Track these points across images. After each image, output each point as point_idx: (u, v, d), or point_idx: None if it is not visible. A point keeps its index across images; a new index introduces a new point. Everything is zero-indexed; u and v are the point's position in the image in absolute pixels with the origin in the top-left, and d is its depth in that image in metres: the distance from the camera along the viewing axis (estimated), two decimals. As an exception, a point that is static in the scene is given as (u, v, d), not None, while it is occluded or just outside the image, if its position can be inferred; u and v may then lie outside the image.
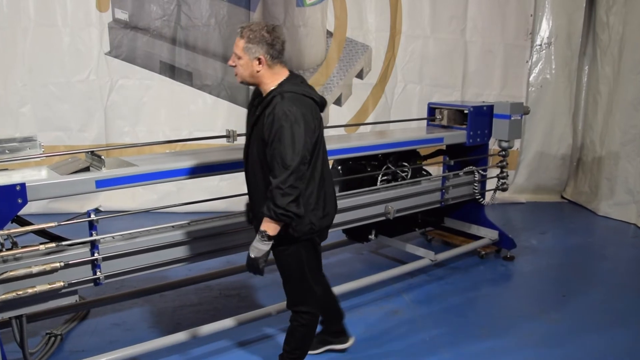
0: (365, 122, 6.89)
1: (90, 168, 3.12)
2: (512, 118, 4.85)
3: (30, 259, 2.87)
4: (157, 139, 6.19)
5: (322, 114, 2.85)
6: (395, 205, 4.38)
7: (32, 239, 3.03)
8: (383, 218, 4.36)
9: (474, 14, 7.04)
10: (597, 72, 7.03)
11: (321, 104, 2.82)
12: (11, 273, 2.76)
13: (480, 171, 5.05)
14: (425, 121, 5.22)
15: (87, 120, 6.35)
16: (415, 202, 4.60)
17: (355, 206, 4.14)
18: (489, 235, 5.19)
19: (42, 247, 2.88)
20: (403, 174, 4.64)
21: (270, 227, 2.65)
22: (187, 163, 3.31)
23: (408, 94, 7.04)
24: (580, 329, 3.91)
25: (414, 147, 4.62)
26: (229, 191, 4.22)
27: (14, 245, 2.84)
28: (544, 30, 7.16)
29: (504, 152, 5.03)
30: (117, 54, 6.33)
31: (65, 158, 3.30)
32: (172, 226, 3.40)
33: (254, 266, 2.73)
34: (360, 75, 6.94)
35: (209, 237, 3.48)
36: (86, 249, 3.05)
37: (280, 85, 2.70)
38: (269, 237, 2.67)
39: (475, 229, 5.27)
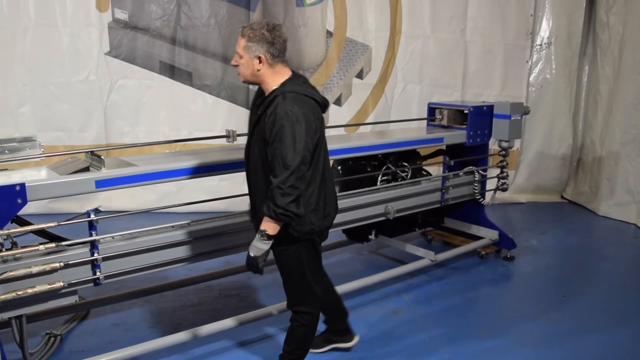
0: (365, 122, 6.89)
1: (90, 168, 3.12)
2: (512, 118, 4.85)
3: (30, 259, 2.87)
4: (156, 139, 6.19)
5: (323, 115, 2.85)
6: (395, 205, 4.37)
7: (32, 239, 3.03)
8: (383, 218, 4.36)
9: (474, 13, 7.04)
10: (597, 72, 7.03)
11: (323, 105, 2.82)
12: (11, 273, 2.76)
13: (480, 171, 5.05)
14: (425, 121, 5.21)
15: (87, 120, 6.34)
16: (415, 202, 4.60)
17: (355, 206, 4.14)
18: (489, 235, 5.19)
19: (41, 247, 2.87)
20: (403, 174, 4.64)
21: (270, 226, 2.65)
22: (187, 163, 3.31)
23: (408, 94, 7.04)
24: (580, 329, 3.91)
25: (414, 147, 4.61)
26: (229, 191, 4.22)
27: (14, 245, 2.84)
28: (544, 30, 7.15)
29: (504, 152, 5.03)
30: (116, 54, 6.32)
31: (65, 158, 3.30)
32: (172, 226, 3.40)
33: (253, 265, 2.74)
34: (360, 75, 6.93)
35: (208, 237, 3.48)
36: (86, 249, 3.05)
37: (283, 85, 2.70)
38: (269, 237, 2.67)
39: (476, 229, 5.27)
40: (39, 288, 2.84)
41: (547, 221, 6.62)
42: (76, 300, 3.19)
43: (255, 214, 2.88)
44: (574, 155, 7.47)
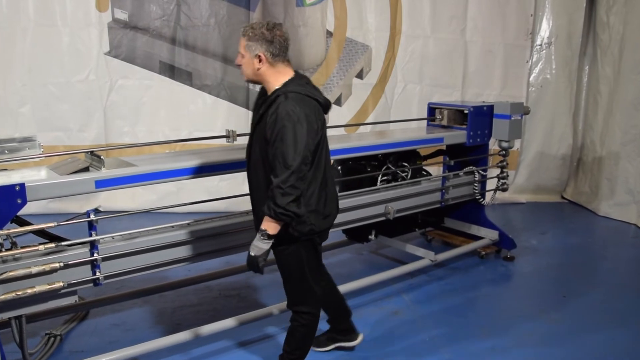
0: (365, 122, 6.88)
1: (90, 168, 3.12)
2: (512, 118, 4.84)
3: (29, 259, 2.87)
4: (156, 139, 6.19)
5: (325, 116, 2.85)
6: (395, 205, 4.37)
7: (32, 239, 3.03)
8: (383, 218, 4.35)
9: (474, 13, 7.04)
10: (597, 72, 7.02)
11: (325, 106, 2.83)
12: (10, 273, 2.76)
13: (480, 171, 5.05)
14: (425, 121, 5.21)
15: (87, 120, 6.34)
16: (415, 202, 4.59)
17: (355, 206, 4.14)
18: (489, 235, 5.18)
19: (41, 247, 2.87)
20: (403, 174, 4.63)
21: (270, 226, 2.66)
22: (187, 163, 3.30)
23: (408, 94, 7.04)
24: (580, 329, 3.91)
25: (414, 147, 4.61)
26: (229, 191, 4.22)
27: (14, 245, 2.84)
28: (544, 30, 7.15)
29: (504, 152, 5.02)
30: (116, 54, 6.32)
31: (65, 158, 3.30)
32: (172, 226, 3.40)
33: (253, 264, 2.74)
34: (360, 75, 6.93)
35: (208, 238, 3.48)
36: (86, 249, 3.05)
37: (285, 85, 2.70)
38: (269, 236, 2.67)
39: (476, 229, 5.26)
40: (38, 288, 2.83)
41: (547, 221, 6.62)
42: (76, 301, 3.18)
43: (256, 213, 2.88)
44: (574, 155, 7.47)
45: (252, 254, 2.72)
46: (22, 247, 2.84)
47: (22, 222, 2.99)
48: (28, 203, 2.74)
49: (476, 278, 4.81)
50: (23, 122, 6.14)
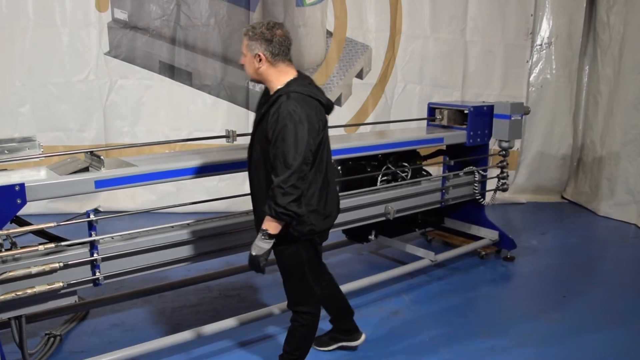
0: (365, 122, 6.88)
1: (90, 168, 3.12)
2: (513, 118, 4.84)
3: (29, 260, 2.86)
4: (156, 139, 6.18)
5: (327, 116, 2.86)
6: (395, 205, 4.37)
7: (31, 239, 3.03)
8: (383, 218, 4.35)
9: (474, 13, 7.04)
10: (597, 72, 7.02)
11: (327, 106, 2.83)
12: (10, 273, 2.76)
13: (480, 171, 5.04)
14: (425, 121, 5.21)
15: (87, 121, 6.34)
16: (415, 202, 4.59)
17: (355, 206, 4.13)
18: (489, 235, 5.18)
19: (41, 247, 2.87)
20: (403, 174, 4.63)
21: (271, 225, 2.66)
22: (187, 163, 3.30)
23: (408, 94, 7.03)
24: (581, 329, 3.90)
25: (414, 147, 4.61)
26: (229, 191, 4.22)
27: (13, 245, 2.83)
28: (545, 30, 7.15)
29: (504, 152, 5.02)
30: (116, 54, 6.32)
31: (65, 158, 3.30)
32: (172, 226, 3.39)
33: (254, 264, 2.74)
34: (360, 75, 6.93)
35: (208, 238, 3.47)
36: (85, 250, 3.04)
37: (288, 84, 2.71)
38: (270, 236, 2.67)
39: (476, 230, 5.26)
40: (38, 288, 2.83)
41: (547, 221, 6.61)
42: (76, 301, 3.18)
43: (257, 212, 2.89)
44: (574, 155, 7.47)
45: (254, 253, 2.72)
46: (21, 247, 2.84)
47: (21, 222, 2.99)
48: (28, 203, 2.74)
49: (476, 278, 4.80)
50: (23, 122, 6.14)
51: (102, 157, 3.09)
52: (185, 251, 3.39)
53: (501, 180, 5.14)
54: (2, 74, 6.06)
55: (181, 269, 3.89)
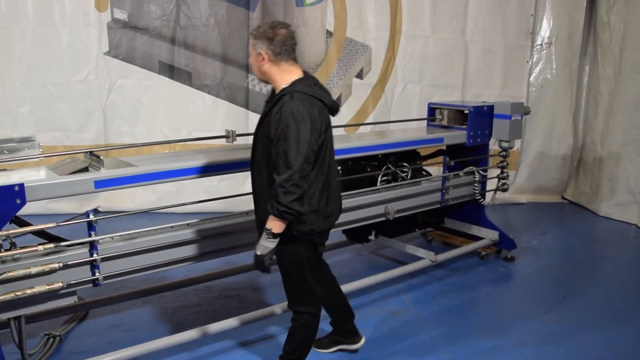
0: (365, 122, 6.88)
1: (89, 168, 3.12)
2: (513, 118, 4.84)
3: (28, 260, 2.86)
4: (156, 139, 6.18)
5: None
6: (395, 205, 4.36)
7: (31, 239, 3.02)
8: (383, 219, 4.35)
9: (474, 13, 7.03)
10: (597, 72, 7.02)
11: (331, 107, 2.83)
12: (10, 274, 2.75)
13: (480, 171, 5.04)
14: (425, 121, 5.20)
15: (86, 121, 6.33)
16: (416, 202, 4.59)
17: (355, 207, 4.13)
18: (489, 235, 5.17)
19: (40, 247, 2.87)
20: (403, 175, 4.62)
21: (274, 224, 2.66)
22: (187, 163, 3.30)
23: (408, 94, 7.03)
24: (581, 329, 3.90)
25: (414, 147, 4.60)
26: (229, 191, 4.21)
27: (13, 245, 2.83)
28: (545, 30, 7.15)
29: (504, 153, 5.02)
30: (116, 54, 6.31)
31: (64, 158, 3.29)
32: (171, 227, 3.39)
33: (260, 264, 2.75)
34: (360, 75, 6.93)
35: (208, 238, 3.47)
36: (85, 250, 3.04)
37: (293, 84, 2.71)
38: (274, 235, 2.68)
39: (476, 230, 5.26)
40: (38, 289, 2.83)
41: (547, 222, 6.61)
42: (75, 301, 3.18)
43: (258, 212, 2.89)
44: (575, 155, 7.47)
45: (258, 253, 2.73)
46: (21, 248, 2.84)
47: (21, 222, 2.98)
48: (27, 203, 2.74)
49: (476, 278, 4.80)
50: (22, 122, 6.14)
51: (101, 157, 3.08)
52: (185, 251, 3.39)
53: (501, 181, 5.14)
54: (2, 74, 6.06)
55: (181, 269, 3.88)
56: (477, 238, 5.21)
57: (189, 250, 3.40)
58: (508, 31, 7.18)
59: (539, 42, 7.18)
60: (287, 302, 3.06)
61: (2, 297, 2.73)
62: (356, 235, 4.69)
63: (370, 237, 4.64)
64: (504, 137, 4.88)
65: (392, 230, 4.77)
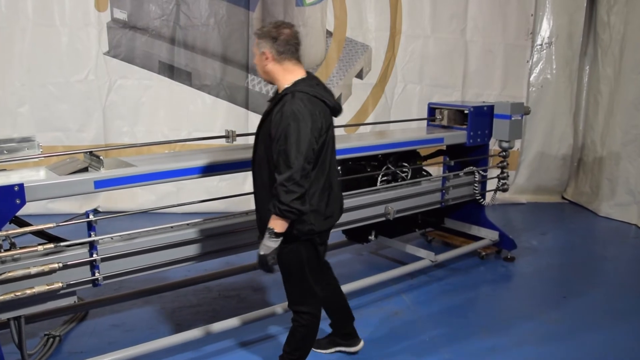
0: (365, 122, 6.88)
1: (89, 168, 3.12)
2: (513, 118, 4.84)
3: (28, 260, 2.86)
4: (156, 139, 6.18)
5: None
6: (395, 205, 4.36)
7: (31, 239, 3.02)
8: (383, 219, 4.34)
9: (474, 13, 7.03)
10: (598, 72, 7.02)
11: (333, 108, 2.83)
12: (9, 274, 2.75)
13: (480, 172, 5.04)
14: (425, 121, 5.20)
15: (86, 121, 6.33)
16: (416, 202, 4.58)
17: (355, 207, 4.13)
18: (489, 236, 5.17)
19: (40, 247, 2.86)
20: (403, 175, 4.62)
21: (277, 224, 2.66)
22: (186, 163, 3.29)
23: (408, 94, 7.03)
24: (581, 329, 3.90)
25: (414, 147, 4.60)
26: (229, 191, 4.21)
27: (12, 246, 2.82)
28: (545, 30, 7.14)
29: (504, 153, 5.02)
30: (115, 54, 6.31)
31: (64, 158, 3.29)
32: (171, 227, 3.38)
33: (263, 263, 2.74)
34: (360, 75, 6.92)
35: (208, 238, 3.47)
36: (85, 250, 3.04)
37: (295, 84, 2.72)
38: (277, 234, 2.68)
39: (476, 230, 5.25)
40: (37, 289, 2.82)
41: (547, 222, 6.61)
42: (75, 301, 3.18)
43: (259, 211, 2.89)
44: (575, 155, 7.46)
45: (262, 253, 2.73)
46: (21, 248, 2.83)
47: (21, 222, 2.97)
48: (27, 203, 2.73)
49: (476, 278, 4.80)
50: (22, 122, 6.13)
51: (101, 157, 3.08)
52: (184, 251, 3.38)
53: (501, 181, 5.14)
54: (1, 74, 6.06)
55: (181, 270, 3.88)
56: (477, 238, 5.20)
57: (189, 251, 3.40)
58: (508, 31, 7.17)
59: (539, 42, 7.18)
60: (287, 302, 3.05)
61: (1, 298, 2.73)
62: (356, 235, 4.69)
63: (370, 237, 4.64)
64: (504, 137, 4.88)
65: (392, 230, 4.77)
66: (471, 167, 5.03)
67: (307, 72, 2.82)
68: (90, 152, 3.21)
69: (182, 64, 6.45)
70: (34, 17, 6.03)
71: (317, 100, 2.72)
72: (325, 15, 6.70)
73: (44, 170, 3.04)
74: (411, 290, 4.51)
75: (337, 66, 6.81)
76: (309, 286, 2.95)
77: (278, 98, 2.70)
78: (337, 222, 3.04)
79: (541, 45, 7.17)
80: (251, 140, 2.91)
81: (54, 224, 2.90)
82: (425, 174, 4.86)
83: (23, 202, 2.71)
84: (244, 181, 6.19)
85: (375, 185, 4.45)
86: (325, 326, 3.45)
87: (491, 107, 4.92)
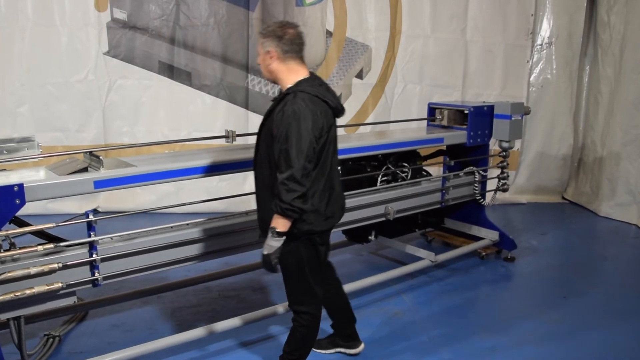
0: (365, 122, 6.87)
1: (89, 168, 3.11)
2: (513, 118, 4.83)
3: (28, 260, 2.85)
4: (155, 139, 6.18)
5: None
6: (395, 206, 4.36)
7: (31, 239, 3.02)
8: (383, 219, 4.34)
9: (474, 13, 7.03)
10: (598, 72, 7.01)
11: (335, 109, 2.83)
12: (9, 274, 2.74)
13: (480, 172, 5.03)
14: (425, 121, 5.20)
15: (86, 121, 6.33)
16: (416, 202, 4.58)
17: (355, 207, 4.12)
18: (489, 236, 5.17)
19: (40, 248, 2.86)
20: (403, 175, 4.62)
21: (279, 223, 2.66)
22: (186, 163, 3.29)
23: (408, 94, 7.03)
24: (581, 329, 3.90)
25: (414, 147, 4.60)
26: (229, 191, 4.21)
27: (12, 246, 2.82)
28: (545, 30, 7.14)
29: (504, 153, 5.01)
30: (115, 54, 6.31)
31: (64, 158, 3.29)
32: (171, 227, 3.38)
33: (267, 263, 2.74)
34: (360, 75, 6.92)
35: (208, 238, 3.46)
36: (84, 250, 3.03)
37: (298, 84, 2.73)
38: (279, 234, 2.68)
39: (476, 230, 5.25)
40: (37, 289, 2.82)
41: (547, 222, 6.61)
42: (75, 301, 3.17)
43: (260, 211, 2.89)
44: (575, 155, 7.46)
45: (265, 252, 2.73)
46: (20, 248, 2.83)
47: (20, 222, 2.97)
48: (27, 203, 2.73)
49: (476, 279, 4.79)
50: (21, 122, 6.13)
51: (101, 157, 3.08)
52: (184, 252, 3.38)
53: (501, 181, 5.13)
54: (1, 74, 6.05)
55: (181, 270, 3.88)
56: (477, 238, 5.20)
57: (189, 251, 3.40)
58: (508, 31, 7.17)
59: (539, 42, 7.18)
60: (287, 302, 3.05)
61: (1, 298, 2.73)
62: (356, 235, 4.69)
63: (370, 237, 4.64)
64: (504, 137, 4.88)
65: (392, 230, 4.76)
66: (471, 167, 5.03)
67: (311, 73, 2.82)
68: (90, 152, 3.21)
69: (182, 64, 6.45)
70: (33, 17, 6.03)
71: (319, 100, 2.72)
72: (325, 15, 6.70)
73: (43, 171, 3.03)
74: (411, 290, 4.50)
75: (337, 66, 6.81)
76: (309, 286, 2.95)
77: (280, 97, 2.71)
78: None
79: (541, 45, 7.17)
80: (251, 140, 2.92)
81: (54, 224, 2.90)
82: (425, 174, 4.86)
83: (23, 202, 2.71)
84: (244, 181, 6.19)
85: (375, 185, 4.44)
86: (326, 326, 3.45)
87: (491, 107, 4.92)
